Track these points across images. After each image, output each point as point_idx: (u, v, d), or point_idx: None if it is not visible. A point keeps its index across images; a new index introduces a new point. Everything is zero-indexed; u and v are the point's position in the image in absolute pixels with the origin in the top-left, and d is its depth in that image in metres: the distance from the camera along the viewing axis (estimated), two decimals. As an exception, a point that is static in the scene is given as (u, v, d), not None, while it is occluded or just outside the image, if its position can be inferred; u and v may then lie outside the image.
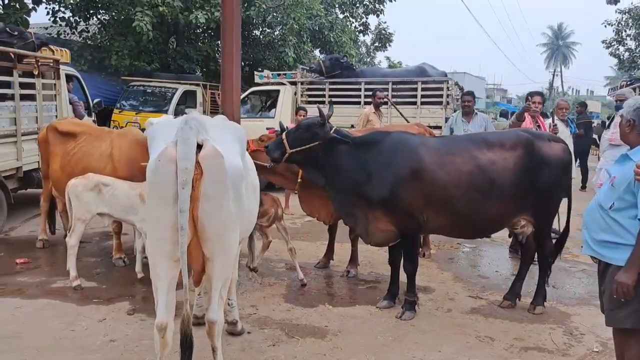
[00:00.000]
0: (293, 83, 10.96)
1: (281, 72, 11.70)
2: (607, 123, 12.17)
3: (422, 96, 9.80)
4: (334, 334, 3.95)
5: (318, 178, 4.36)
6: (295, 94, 10.86)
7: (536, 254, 4.57)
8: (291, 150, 4.28)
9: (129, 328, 3.96)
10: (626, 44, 20.66)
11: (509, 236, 4.67)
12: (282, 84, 11.01)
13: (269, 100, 11.80)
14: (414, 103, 9.82)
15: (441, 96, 9.74)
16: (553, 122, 6.04)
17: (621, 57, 21.13)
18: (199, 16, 13.06)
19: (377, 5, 18.32)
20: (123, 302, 4.46)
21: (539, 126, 5.77)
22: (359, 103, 10.20)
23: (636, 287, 2.58)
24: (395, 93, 10.03)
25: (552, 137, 4.55)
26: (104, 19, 14.88)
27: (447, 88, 9.74)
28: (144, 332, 3.86)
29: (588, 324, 4.23)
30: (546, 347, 3.83)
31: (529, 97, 6.17)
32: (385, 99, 8.04)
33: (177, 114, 11.37)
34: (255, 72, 11.76)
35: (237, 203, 2.92)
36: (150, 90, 13.07)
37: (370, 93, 9.96)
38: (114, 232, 5.48)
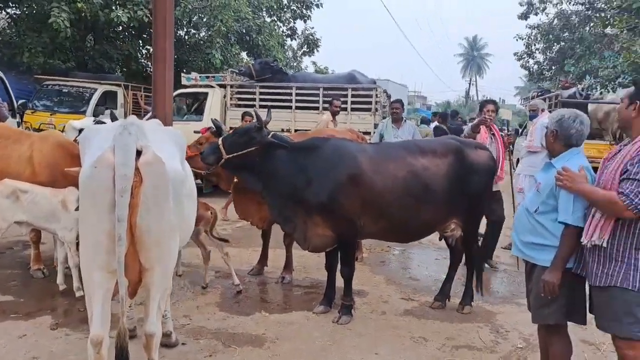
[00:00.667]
0: (222, 86, 10.79)
1: (210, 75, 11.49)
2: (520, 131, 13.02)
3: (352, 102, 9.98)
4: (272, 342, 3.91)
5: (255, 184, 4.32)
6: (225, 97, 10.70)
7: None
8: (228, 156, 4.21)
9: (53, 344, 3.71)
10: (535, 57, 22.21)
11: (439, 239, 4.84)
12: (211, 86, 10.82)
13: (196, 103, 11.56)
14: (344, 109, 9.96)
15: (370, 103, 9.96)
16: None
17: (531, 69, 22.67)
18: (120, 14, 12.55)
19: (304, 11, 18.48)
20: (44, 317, 4.17)
21: (493, 134, 5.82)
22: (290, 107, 10.24)
23: (560, 285, 2.77)
24: (326, 99, 10.14)
25: (478, 144, 4.79)
26: (14, 13, 13.92)
27: (376, 95, 9.99)
28: (69, 347, 3.65)
29: (512, 321, 4.47)
30: (475, 345, 4.00)
31: (482, 107, 6.08)
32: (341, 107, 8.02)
33: (96, 115, 10.86)
34: (182, 74, 11.47)
35: (177, 210, 2.84)
36: (66, 90, 12.38)
37: (305, 98, 10.17)
38: (32, 241, 5.11)
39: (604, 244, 2.63)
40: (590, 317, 2.89)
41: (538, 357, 3.29)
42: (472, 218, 4.53)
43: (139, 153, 2.60)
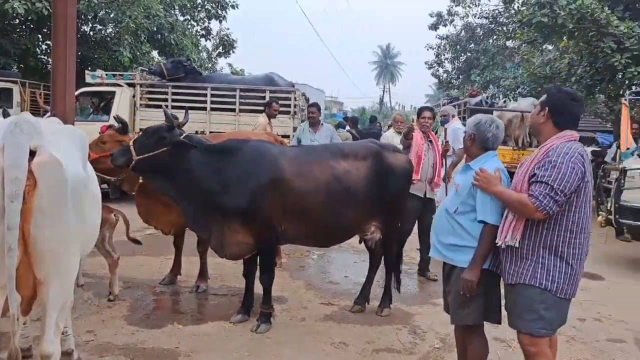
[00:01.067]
0: (131, 85, 10.26)
1: (117, 73, 10.89)
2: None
3: (271, 105, 9.84)
4: (186, 355, 3.68)
5: (168, 188, 4.08)
6: (134, 96, 10.18)
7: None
8: (138, 157, 3.94)
9: None
10: (444, 66, 23.30)
11: (360, 242, 4.83)
12: (119, 85, 10.26)
13: (103, 103, 10.93)
14: (262, 111, 9.81)
15: (289, 106, 9.87)
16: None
17: (440, 77, 23.76)
18: (16, 6, 11.58)
19: (219, 11, 18.09)
20: None
21: (430, 141, 5.77)
22: (205, 109, 9.93)
23: (478, 284, 2.82)
24: (243, 100, 9.95)
25: (396, 148, 4.85)
26: None
27: (295, 98, 9.92)
28: (-49, 374, 3.23)
29: (428, 321, 4.53)
30: (395, 348, 4.01)
31: (419, 114, 5.89)
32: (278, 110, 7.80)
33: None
34: (87, 72, 10.78)
35: (78, 217, 2.57)
36: (-47, 87, 11.24)
37: (229, 99, 9.91)
38: None
39: (516, 244, 2.71)
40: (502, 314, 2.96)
41: (454, 356, 3.34)
42: (391, 220, 4.56)
43: (32, 153, 2.32)
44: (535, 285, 2.67)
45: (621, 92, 10.88)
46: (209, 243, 4.28)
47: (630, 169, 6.91)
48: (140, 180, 4.58)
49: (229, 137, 5.24)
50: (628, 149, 7.87)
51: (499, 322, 3.02)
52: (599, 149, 12.95)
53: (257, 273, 4.33)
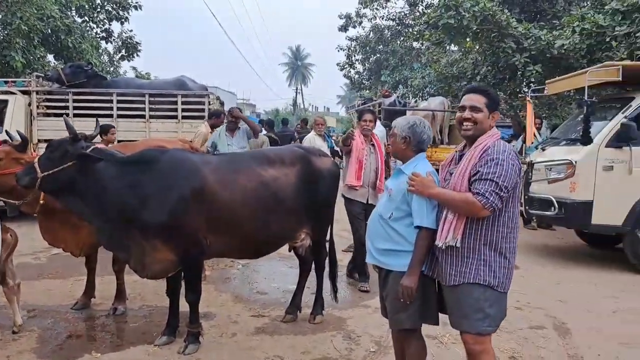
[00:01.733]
0: (26, 92, 9.45)
1: (9, 80, 10.00)
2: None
3: (183, 110, 9.46)
4: (108, 387, 3.38)
5: (80, 207, 3.71)
6: (30, 104, 9.37)
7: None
8: (42, 174, 3.56)
9: None
10: (355, 67, 23.70)
11: (289, 250, 4.68)
12: (12, 93, 9.40)
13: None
14: (175, 117, 9.42)
15: (203, 110, 9.50)
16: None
17: (352, 78, 24.16)
18: None
19: (120, 12, 17.18)
20: None
21: (373, 145, 5.61)
22: (111, 116, 9.31)
23: (416, 290, 2.77)
24: (153, 106, 9.46)
25: (321, 152, 4.76)
26: None
27: (209, 102, 9.59)
28: None
29: (361, 325, 4.49)
30: (331, 356, 3.92)
31: (360, 117, 5.72)
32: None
33: None
34: (-26, 79, 9.79)
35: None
36: None
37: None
38: None
39: (458, 244, 2.69)
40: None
41: (391, 359, 3.29)
42: (320, 226, 4.48)
43: None
44: (480, 283, 2.67)
45: (519, 90, 11.59)
46: (128, 263, 3.94)
47: (537, 162, 7.33)
48: (42, 201, 4.16)
49: (142, 145, 4.90)
50: (532, 143, 8.35)
51: (437, 324, 3.02)
52: (502, 143, 13.70)
53: (182, 289, 4.06)
